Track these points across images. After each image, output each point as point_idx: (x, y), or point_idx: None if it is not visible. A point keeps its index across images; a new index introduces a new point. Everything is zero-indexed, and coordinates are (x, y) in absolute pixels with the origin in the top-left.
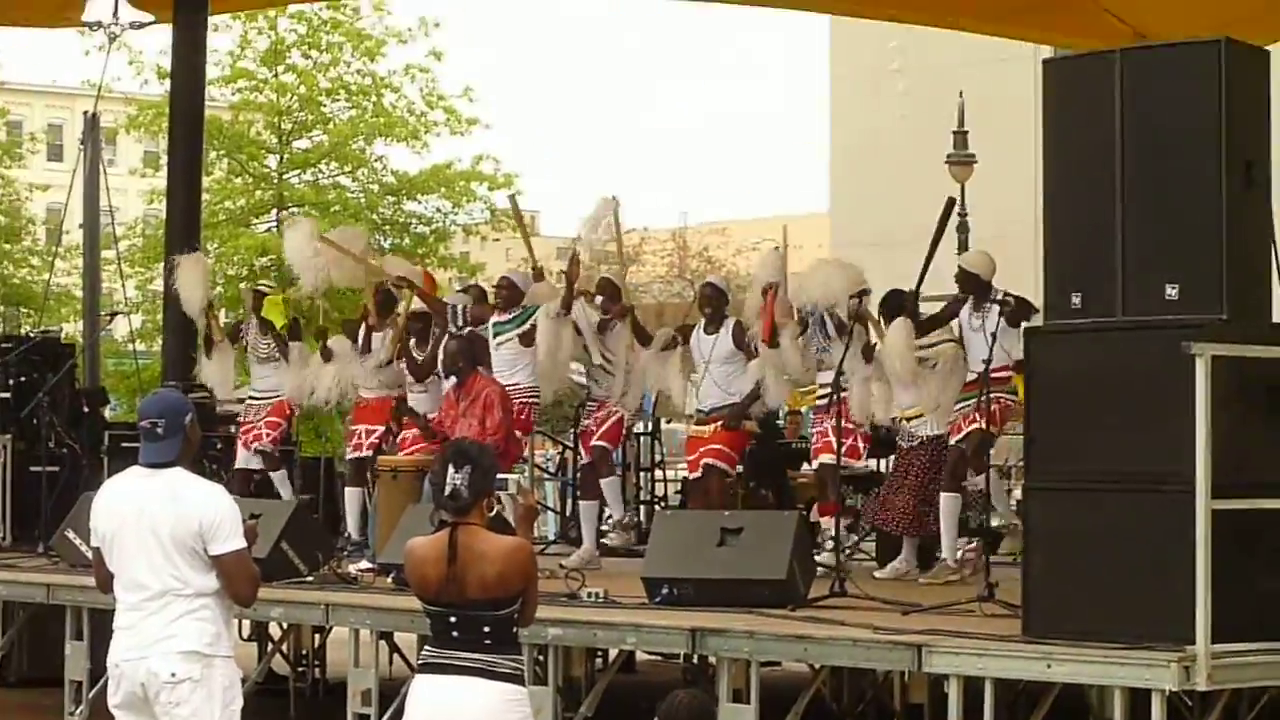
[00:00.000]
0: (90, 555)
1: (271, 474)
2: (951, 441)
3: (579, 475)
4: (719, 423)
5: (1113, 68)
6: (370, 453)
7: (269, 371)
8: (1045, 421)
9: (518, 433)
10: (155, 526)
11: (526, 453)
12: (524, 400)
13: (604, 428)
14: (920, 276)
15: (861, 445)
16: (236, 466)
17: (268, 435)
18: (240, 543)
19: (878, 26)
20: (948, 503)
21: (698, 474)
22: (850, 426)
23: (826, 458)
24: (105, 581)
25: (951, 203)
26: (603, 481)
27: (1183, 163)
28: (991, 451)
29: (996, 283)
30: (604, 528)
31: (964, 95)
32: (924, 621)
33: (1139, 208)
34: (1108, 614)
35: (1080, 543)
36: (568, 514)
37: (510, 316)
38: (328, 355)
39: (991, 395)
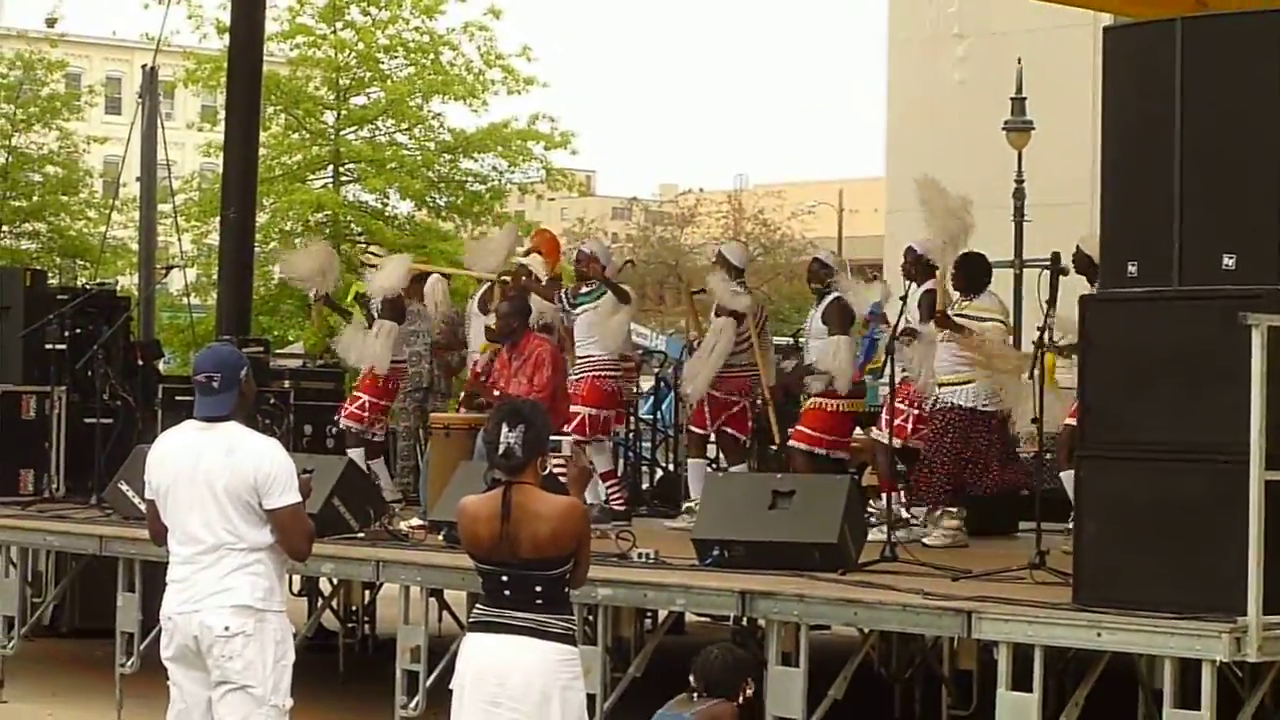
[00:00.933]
0: (143, 508)
1: (371, 462)
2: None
3: (686, 434)
4: (813, 400)
5: (1174, 36)
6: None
7: None
8: (1100, 390)
9: (605, 410)
10: (210, 480)
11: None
12: (605, 373)
13: (729, 412)
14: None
15: (910, 426)
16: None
17: (358, 414)
18: (295, 497)
19: None
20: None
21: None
22: (901, 407)
23: (877, 434)
24: (159, 534)
25: (1057, 258)
26: (732, 469)
27: (1242, 133)
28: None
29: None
30: None
31: (1022, 61)
32: (974, 588)
33: (1197, 177)
34: (1159, 583)
35: (1132, 512)
36: (622, 476)
37: (590, 289)
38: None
39: None
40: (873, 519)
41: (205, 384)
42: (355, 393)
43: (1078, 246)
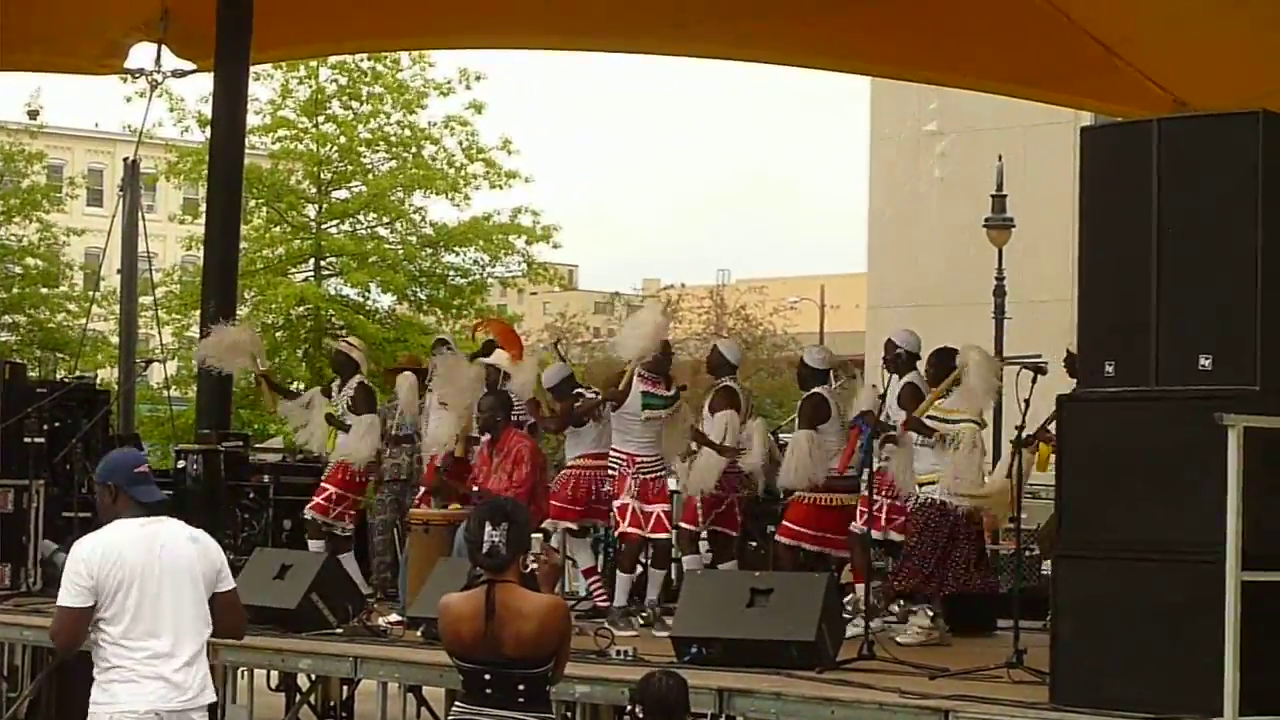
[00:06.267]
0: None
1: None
2: None
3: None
4: (797, 494)
5: (1151, 137)
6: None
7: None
8: (1076, 489)
9: (659, 507)
10: (190, 569)
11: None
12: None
13: (718, 510)
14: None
15: (885, 516)
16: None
17: (323, 506)
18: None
19: (918, 88)
20: None
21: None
22: (878, 499)
23: (855, 527)
24: (77, 640)
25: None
26: (721, 567)
27: (1218, 233)
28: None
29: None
30: None
31: (1003, 158)
32: (952, 686)
33: (1174, 277)
34: (1136, 683)
35: (1109, 611)
36: (599, 570)
37: (671, 393)
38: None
39: None
40: (848, 610)
41: (146, 474)
42: (323, 484)
43: (1068, 350)
